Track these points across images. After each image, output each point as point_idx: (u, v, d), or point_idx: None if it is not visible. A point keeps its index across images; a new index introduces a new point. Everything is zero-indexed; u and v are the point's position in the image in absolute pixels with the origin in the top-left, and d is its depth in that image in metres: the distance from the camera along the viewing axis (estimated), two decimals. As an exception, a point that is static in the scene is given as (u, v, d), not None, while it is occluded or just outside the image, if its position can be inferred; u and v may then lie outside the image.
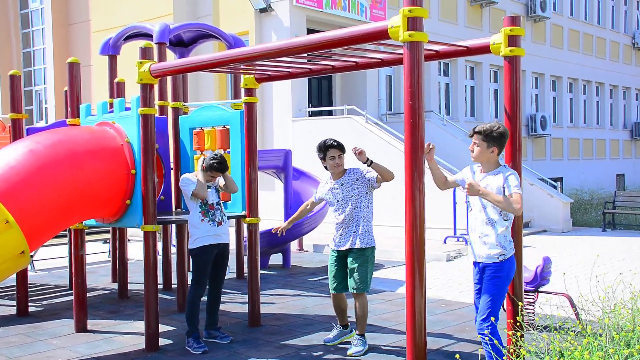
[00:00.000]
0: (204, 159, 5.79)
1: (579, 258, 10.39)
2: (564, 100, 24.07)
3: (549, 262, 6.16)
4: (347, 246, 5.47)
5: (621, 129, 27.66)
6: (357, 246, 5.43)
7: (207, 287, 5.90)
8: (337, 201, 5.54)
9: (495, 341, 4.11)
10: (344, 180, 5.54)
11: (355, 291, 5.43)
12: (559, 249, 11.47)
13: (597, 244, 12.18)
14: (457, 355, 4.02)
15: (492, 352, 4.09)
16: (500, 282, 4.29)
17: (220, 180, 5.94)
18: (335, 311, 5.79)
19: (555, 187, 15.94)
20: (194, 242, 5.72)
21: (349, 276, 5.48)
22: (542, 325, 4.96)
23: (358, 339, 5.51)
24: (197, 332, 5.74)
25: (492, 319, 4.22)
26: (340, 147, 5.52)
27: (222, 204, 5.93)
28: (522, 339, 4.08)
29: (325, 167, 5.61)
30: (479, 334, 4.27)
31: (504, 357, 4.03)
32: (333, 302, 5.75)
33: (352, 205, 5.45)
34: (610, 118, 27.01)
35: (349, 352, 5.44)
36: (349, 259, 5.47)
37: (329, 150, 5.50)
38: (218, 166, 5.71)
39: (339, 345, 5.71)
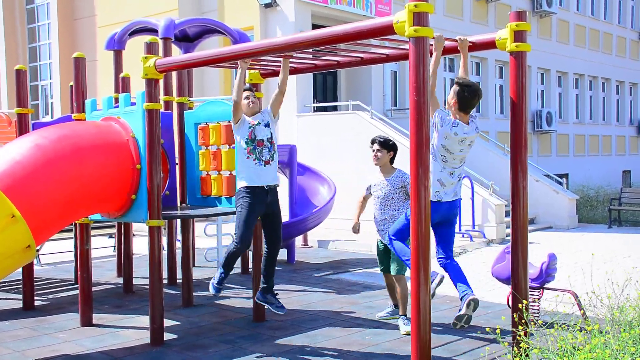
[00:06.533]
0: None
1: (584, 255, 10.36)
2: (569, 96, 23.98)
3: (554, 258, 6.15)
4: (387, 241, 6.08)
5: (627, 125, 27.55)
6: None
7: (264, 247, 5.61)
8: (378, 197, 6.09)
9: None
10: (390, 181, 6.05)
11: (395, 273, 6.13)
12: (565, 246, 11.44)
13: (603, 240, 12.14)
14: None
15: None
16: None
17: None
18: (387, 290, 6.50)
19: (560, 183, 15.90)
20: (238, 184, 5.30)
21: (391, 262, 6.15)
22: (547, 322, 4.95)
23: (405, 319, 6.00)
24: (225, 276, 5.47)
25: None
26: (382, 144, 6.03)
27: (274, 141, 5.46)
28: (528, 336, 4.08)
29: None
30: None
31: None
32: (385, 281, 6.50)
33: (392, 207, 6.02)
34: (616, 114, 26.89)
35: (403, 332, 5.90)
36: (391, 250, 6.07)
37: (372, 144, 6.10)
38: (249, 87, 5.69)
39: (339, 340, 5.73)
